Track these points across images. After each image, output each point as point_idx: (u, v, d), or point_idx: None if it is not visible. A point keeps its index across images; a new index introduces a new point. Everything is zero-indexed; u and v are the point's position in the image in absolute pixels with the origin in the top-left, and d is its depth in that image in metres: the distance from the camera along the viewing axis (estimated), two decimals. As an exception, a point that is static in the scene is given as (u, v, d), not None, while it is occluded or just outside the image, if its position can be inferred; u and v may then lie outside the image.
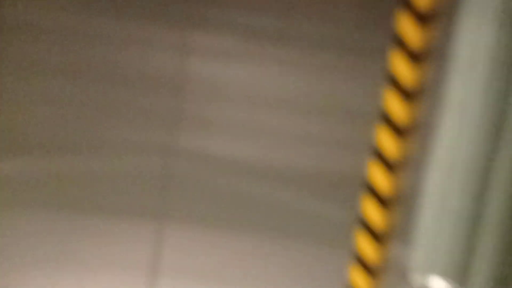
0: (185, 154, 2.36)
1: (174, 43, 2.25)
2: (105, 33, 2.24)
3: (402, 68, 2.18)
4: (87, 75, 2.27)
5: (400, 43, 2.17)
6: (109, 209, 2.39)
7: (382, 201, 2.24)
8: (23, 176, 2.36)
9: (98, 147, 2.34)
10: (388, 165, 2.23)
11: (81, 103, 2.30)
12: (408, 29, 2.16)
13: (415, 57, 2.16)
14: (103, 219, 2.39)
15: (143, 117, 2.32)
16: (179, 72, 2.28)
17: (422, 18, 2.14)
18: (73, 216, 2.39)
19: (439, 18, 2.08)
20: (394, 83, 2.20)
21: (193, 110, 2.33)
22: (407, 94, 2.18)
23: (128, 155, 2.36)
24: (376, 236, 2.27)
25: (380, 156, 2.24)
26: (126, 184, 2.37)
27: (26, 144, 2.34)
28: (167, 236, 2.41)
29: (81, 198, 2.37)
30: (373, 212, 2.26)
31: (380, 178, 2.24)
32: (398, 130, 2.20)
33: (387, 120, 2.22)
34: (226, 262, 2.43)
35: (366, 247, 2.28)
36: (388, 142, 2.22)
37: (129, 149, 2.35)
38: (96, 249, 2.41)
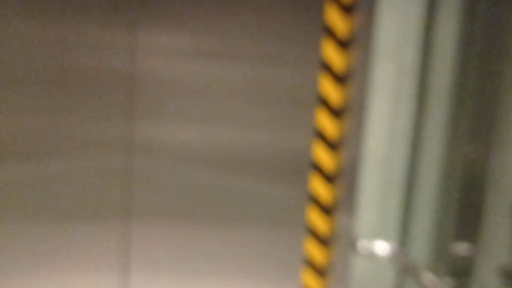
0: (143, 149, 2.33)
1: (124, 43, 2.26)
2: (56, 37, 2.21)
3: (333, 55, 2.41)
4: (40, 79, 2.23)
5: (329, 32, 2.39)
6: (73, 210, 2.34)
7: (328, 177, 2.45)
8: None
9: (56, 149, 2.29)
10: (330, 144, 2.44)
11: (35, 107, 2.25)
12: (336, 19, 2.39)
13: (343, 44, 2.41)
14: (69, 220, 2.35)
15: (98, 117, 2.29)
16: (130, 71, 2.28)
17: (347, 9, 2.40)
18: (38, 219, 2.33)
19: (363, 7, 2.37)
20: (327, 68, 2.41)
21: (147, 106, 2.32)
22: (339, 78, 2.42)
23: (86, 154, 2.32)
24: (325, 210, 2.47)
25: (321, 136, 2.43)
26: (88, 183, 2.33)
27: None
28: (134, 232, 2.40)
29: (45, 200, 2.32)
30: (320, 188, 2.45)
31: (323, 156, 2.44)
32: (334, 111, 2.43)
33: (324, 103, 2.42)
34: (193, 251, 2.43)
35: (317, 221, 2.46)
36: (327, 123, 2.43)
37: (87, 149, 2.32)
38: (65, 250, 2.37)
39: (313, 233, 2.47)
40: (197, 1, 2.26)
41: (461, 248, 2.73)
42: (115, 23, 2.24)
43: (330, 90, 2.41)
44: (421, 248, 2.84)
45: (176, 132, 2.34)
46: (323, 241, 2.47)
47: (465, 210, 2.70)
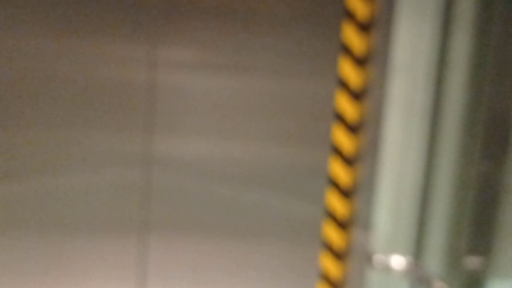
0: (160, 163, 2.37)
1: (143, 58, 2.31)
2: (78, 52, 2.26)
3: (350, 72, 2.45)
4: (61, 93, 2.27)
5: (346, 49, 2.44)
6: (91, 223, 2.38)
7: (344, 192, 2.49)
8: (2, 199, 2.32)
9: (75, 163, 2.33)
10: (346, 159, 2.48)
11: (56, 121, 2.29)
12: (353, 36, 2.44)
13: (360, 61, 2.45)
14: (87, 233, 2.39)
15: (117, 131, 2.33)
16: (149, 85, 2.32)
17: (364, 26, 2.44)
18: (57, 234, 2.37)
19: (379, 25, 2.41)
20: (344, 85, 2.45)
21: (165, 121, 2.36)
22: (355, 95, 2.47)
23: (105, 169, 2.35)
24: (341, 224, 2.51)
25: (338, 151, 2.48)
26: (106, 197, 2.36)
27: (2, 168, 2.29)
28: (151, 245, 2.43)
29: (64, 215, 2.36)
30: (336, 203, 2.49)
31: (340, 171, 2.48)
32: (351, 127, 2.47)
33: (341, 118, 2.46)
34: (210, 264, 2.47)
35: (333, 235, 2.51)
36: (343, 138, 2.47)
37: (105, 163, 2.35)
38: (83, 264, 2.40)
39: (329, 247, 2.51)
40: (215, 16, 2.31)
41: (475, 261, 2.78)
42: (135, 38, 2.29)
43: (346, 106, 2.45)
44: (435, 261, 2.88)
45: (193, 146, 2.38)
46: (339, 255, 2.52)
47: (479, 223, 2.74)
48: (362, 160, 2.45)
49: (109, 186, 2.35)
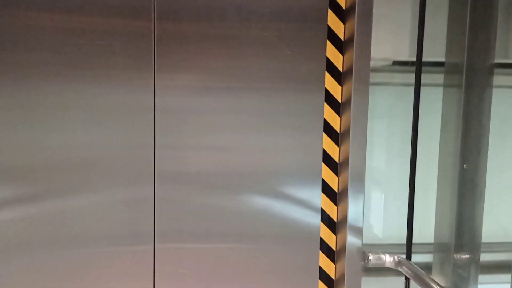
0: (163, 179, 2.55)
1: (146, 84, 2.51)
2: (91, 79, 2.46)
3: (333, 85, 2.67)
4: (73, 120, 2.47)
5: (330, 66, 2.66)
6: (106, 237, 2.55)
7: (335, 195, 2.69)
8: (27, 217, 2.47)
9: (87, 182, 2.51)
10: (335, 164, 2.69)
11: (69, 145, 2.48)
12: (335, 55, 2.66)
13: (341, 75, 2.67)
14: (102, 247, 2.55)
15: (125, 150, 2.52)
16: (151, 108, 2.52)
17: (343, 46, 2.67)
18: (75, 248, 2.53)
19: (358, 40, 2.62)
20: (330, 99, 2.67)
21: (166, 139, 2.54)
22: (340, 107, 2.68)
23: (114, 187, 2.52)
24: (335, 225, 2.70)
25: (327, 159, 2.68)
26: (115, 213, 2.53)
27: (23, 192, 2.47)
28: (160, 254, 2.59)
29: (81, 230, 2.52)
30: (329, 205, 2.68)
31: (330, 176, 2.68)
32: (337, 136, 2.68)
33: (328, 128, 2.67)
34: (217, 271, 2.64)
35: (328, 235, 2.69)
36: (331, 146, 2.68)
37: (114, 182, 2.52)
38: (99, 274, 2.56)
39: (326, 248, 2.69)
40: (208, 43, 2.52)
41: (463, 258, 2.95)
42: (138, 66, 2.49)
43: (333, 117, 2.65)
44: (426, 258, 3.05)
45: (193, 162, 2.57)
46: (334, 255, 2.70)
47: (466, 220, 2.92)
48: (350, 164, 2.63)
49: (120, 203, 2.52)
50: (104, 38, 2.45)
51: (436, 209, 3.00)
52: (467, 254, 2.95)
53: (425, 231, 2.99)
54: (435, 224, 3.02)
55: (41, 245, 2.51)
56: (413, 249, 2.92)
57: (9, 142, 2.43)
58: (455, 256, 2.95)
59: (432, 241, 3.01)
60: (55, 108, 2.44)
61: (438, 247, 3.03)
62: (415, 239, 2.91)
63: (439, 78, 2.96)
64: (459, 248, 2.94)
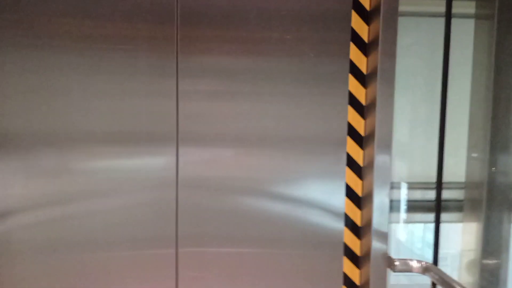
0: (185, 184, 2.56)
1: (169, 88, 2.51)
2: (118, 85, 2.49)
3: (357, 88, 2.62)
4: (97, 125, 2.49)
5: (354, 69, 2.62)
6: (129, 240, 2.56)
7: (359, 200, 2.65)
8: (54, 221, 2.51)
9: (114, 188, 2.52)
10: (359, 168, 2.65)
11: (93, 151, 2.51)
12: (358, 55, 2.62)
13: (365, 77, 2.63)
14: (126, 249, 2.57)
15: (146, 156, 2.54)
16: (174, 112, 2.52)
17: (368, 47, 2.62)
18: (99, 250, 2.56)
19: (383, 43, 2.57)
20: (354, 102, 2.63)
21: (189, 143, 2.54)
22: (364, 110, 2.63)
23: (138, 192, 2.54)
24: (359, 230, 2.66)
25: (351, 163, 2.64)
26: (138, 216, 2.55)
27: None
28: (182, 257, 2.59)
29: (104, 233, 2.54)
30: (354, 211, 2.64)
31: (354, 181, 2.64)
32: (362, 139, 2.64)
33: (352, 132, 2.63)
34: (239, 275, 2.63)
35: (352, 241, 2.66)
36: (356, 151, 2.64)
37: (137, 186, 2.53)
38: (122, 275, 2.58)
39: (350, 253, 2.65)
40: (230, 49, 2.52)
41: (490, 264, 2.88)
42: (161, 71, 2.51)
43: (356, 120, 2.62)
44: (453, 264, 2.99)
45: (215, 166, 2.56)
46: (359, 260, 2.66)
47: (492, 226, 2.86)
48: (375, 168, 2.59)
49: (143, 206, 2.54)
50: (128, 43, 2.46)
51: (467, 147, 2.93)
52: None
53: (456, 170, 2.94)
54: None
55: (66, 248, 2.53)
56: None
57: (38, 151, 2.47)
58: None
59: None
60: (78, 112, 2.47)
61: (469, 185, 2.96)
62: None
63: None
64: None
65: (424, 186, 2.90)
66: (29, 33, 2.40)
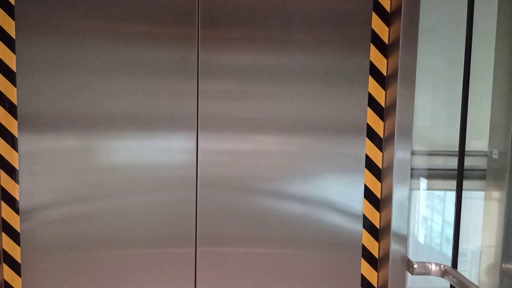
0: (205, 183, 2.58)
1: (190, 88, 2.54)
2: (141, 88, 2.53)
3: (377, 90, 2.62)
4: (120, 124, 2.55)
5: (374, 69, 2.61)
6: (150, 238, 2.61)
7: (379, 202, 2.64)
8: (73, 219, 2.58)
9: (134, 187, 2.57)
10: (378, 171, 2.64)
11: (114, 149, 2.57)
12: (378, 58, 2.61)
13: (385, 79, 2.62)
14: (146, 247, 2.61)
15: (167, 155, 2.58)
16: (194, 112, 2.55)
17: (388, 49, 2.61)
18: (119, 248, 2.61)
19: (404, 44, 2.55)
20: (373, 102, 2.62)
21: (208, 143, 2.57)
22: (382, 111, 2.63)
23: (158, 190, 2.58)
24: (378, 233, 2.65)
25: (370, 164, 2.63)
26: (159, 215, 2.59)
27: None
28: (202, 256, 2.62)
29: (126, 231, 2.59)
30: (372, 213, 2.64)
31: (373, 182, 2.63)
32: (381, 140, 2.63)
33: (371, 132, 2.63)
34: (257, 275, 2.65)
35: (371, 243, 2.65)
36: (375, 151, 2.63)
37: (158, 185, 2.57)
38: (142, 274, 2.62)
39: (368, 255, 2.65)
40: (250, 50, 2.55)
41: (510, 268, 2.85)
42: (182, 71, 2.54)
43: (376, 122, 2.61)
44: (472, 267, 2.97)
45: (234, 166, 2.59)
46: (377, 262, 2.65)
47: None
48: (395, 169, 2.58)
49: (163, 206, 2.58)
50: (150, 44, 2.49)
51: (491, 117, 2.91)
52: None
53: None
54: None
55: (88, 244, 2.59)
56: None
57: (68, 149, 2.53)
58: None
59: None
60: (101, 116, 2.52)
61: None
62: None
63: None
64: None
65: (446, 153, 2.87)
66: (65, 31, 2.48)
